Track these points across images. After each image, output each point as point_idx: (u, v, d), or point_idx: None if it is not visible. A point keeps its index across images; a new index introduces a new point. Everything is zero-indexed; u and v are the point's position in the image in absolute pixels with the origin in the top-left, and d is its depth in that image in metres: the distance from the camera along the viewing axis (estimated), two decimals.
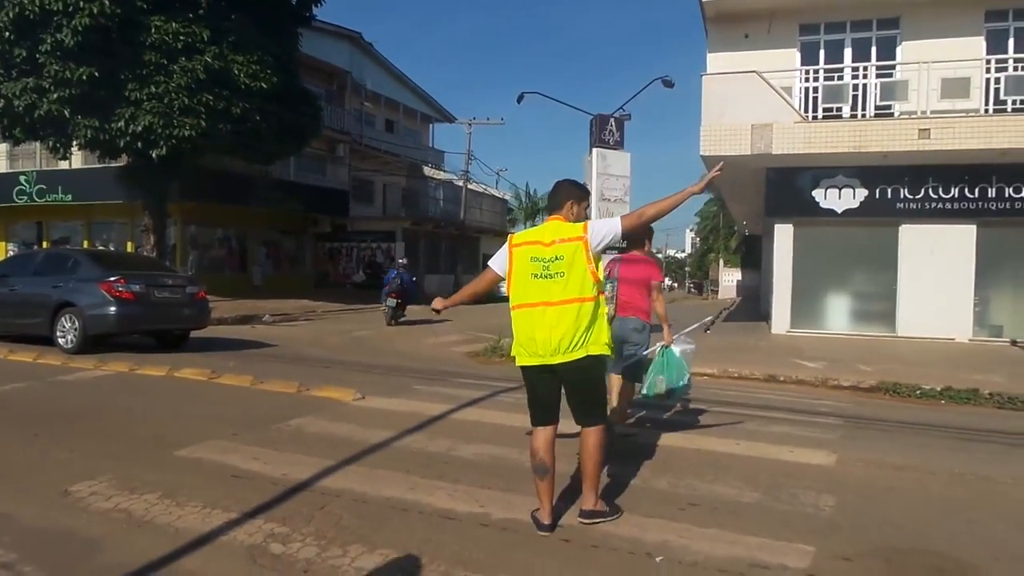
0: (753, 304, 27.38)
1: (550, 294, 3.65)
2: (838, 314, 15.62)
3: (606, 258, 4.77)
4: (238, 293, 22.34)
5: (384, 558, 3.28)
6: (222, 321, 15.66)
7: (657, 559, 3.37)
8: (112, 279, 9.95)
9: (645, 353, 5.78)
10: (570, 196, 3.91)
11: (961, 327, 14.51)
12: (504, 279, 3.92)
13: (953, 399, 8.48)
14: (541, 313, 3.65)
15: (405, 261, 18.37)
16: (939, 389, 8.70)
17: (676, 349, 5.65)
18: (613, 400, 5.81)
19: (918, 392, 8.73)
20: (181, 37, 16.23)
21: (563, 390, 3.82)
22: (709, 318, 10.21)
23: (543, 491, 3.75)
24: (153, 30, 16.07)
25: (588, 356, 3.66)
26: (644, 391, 5.69)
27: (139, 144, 16.82)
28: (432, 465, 4.82)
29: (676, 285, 72.69)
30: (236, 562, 3.22)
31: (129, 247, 24.14)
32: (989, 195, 14.26)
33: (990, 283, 14.61)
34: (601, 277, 3.76)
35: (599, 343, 3.69)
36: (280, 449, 5.08)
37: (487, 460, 5.00)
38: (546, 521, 3.73)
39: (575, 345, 3.62)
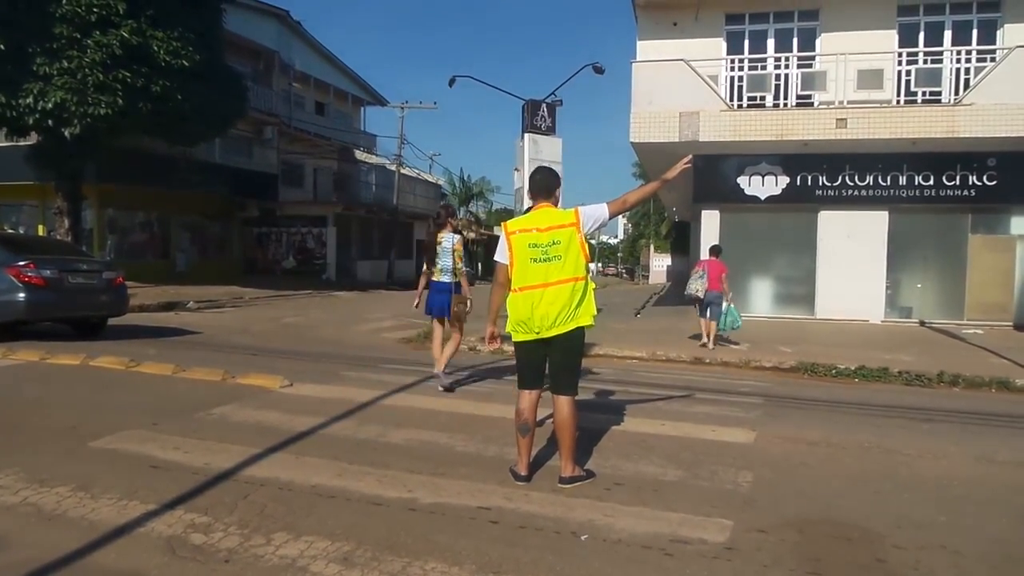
0: (682, 289, 28.03)
1: (548, 276, 4.04)
2: (762, 298, 16.19)
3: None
4: (161, 279, 21.55)
5: (309, 545, 3.24)
6: (143, 308, 15.09)
7: (582, 537, 3.44)
8: (21, 263, 9.43)
9: (721, 310, 11.02)
10: (557, 183, 4.31)
11: (874, 309, 15.27)
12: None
13: (866, 377, 8.93)
14: (540, 294, 4.03)
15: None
16: (853, 368, 9.13)
17: (733, 306, 11.24)
18: (704, 332, 11.05)
19: (834, 371, 9.15)
20: (95, 9, 15.44)
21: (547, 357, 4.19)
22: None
23: (523, 447, 4.21)
24: (64, 1, 15.22)
25: (578, 327, 4.09)
26: (721, 328, 11.02)
27: (50, 122, 15.96)
28: (361, 451, 4.78)
29: (612, 271, 73.42)
30: (154, 554, 3.13)
31: (40, 230, 22.93)
32: (900, 183, 15.00)
33: (900, 267, 15.40)
34: (588, 256, 4.14)
35: (587, 315, 4.11)
36: (203, 438, 4.95)
37: (416, 445, 4.99)
38: (523, 473, 4.19)
39: (567, 319, 4.04)
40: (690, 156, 4.63)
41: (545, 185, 4.27)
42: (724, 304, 11.07)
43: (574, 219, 4.08)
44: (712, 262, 11.35)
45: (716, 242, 13.05)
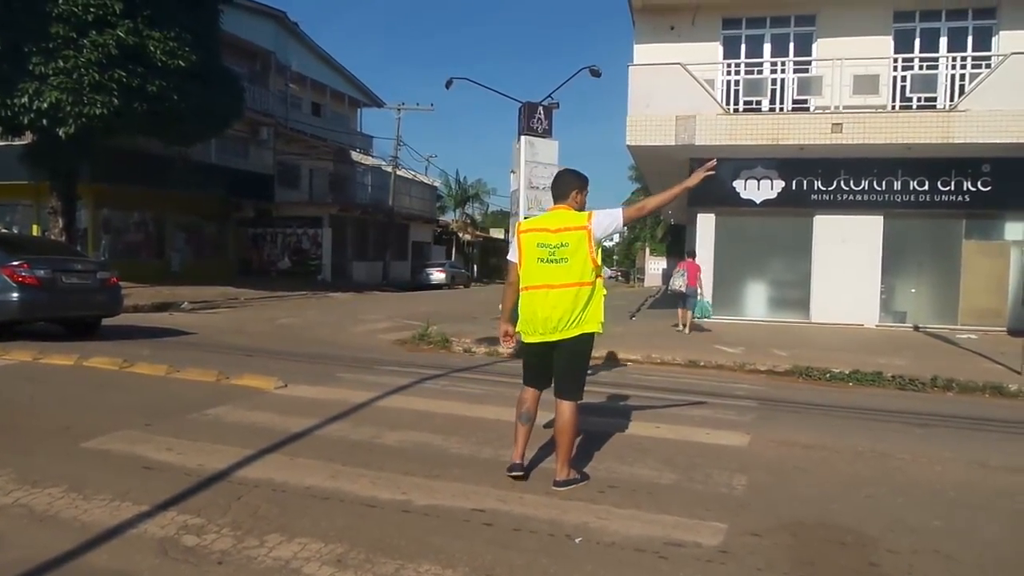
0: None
1: (553, 277, 4.01)
2: (757, 301, 16.21)
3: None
4: (155, 280, 21.50)
5: (303, 547, 3.23)
6: (138, 308, 15.05)
7: (576, 540, 3.44)
8: (15, 263, 9.40)
9: (696, 300, 13.63)
10: (573, 186, 4.22)
11: (869, 313, 15.30)
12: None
13: (860, 381, 8.94)
14: (544, 295, 4.02)
15: None
16: (847, 372, 9.14)
17: (707, 298, 13.99)
18: (680, 320, 13.63)
19: (828, 375, 9.16)
20: (91, 9, 15.41)
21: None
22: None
23: (521, 435, 4.23)
24: (60, 0, 15.19)
25: (583, 334, 4.05)
26: (696, 315, 13.54)
27: (45, 122, 15.91)
28: (355, 453, 4.77)
29: (617, 273, 73.09)
30: (146, 555, 3.11)
31: (35, 230, 22.85)
32: (895, 188, 15.05)
33: (895, 272, 15.45)
34: (600, 263, 4.09)
35: (594, 321, 4.07)
36: (196, 439, 4.93)
37: (411, 447, 4.98)
38: (517, 461, 4.21)
39: (572, 324, 4.01)
40: (714, 160, 4.55)
41: (558, 189, 4.25)
42: (698, 297, 13.67)
43: (585, 223, 4.01)
44: (690, 263, 13.96)
45: (708, 246, 14.67)
